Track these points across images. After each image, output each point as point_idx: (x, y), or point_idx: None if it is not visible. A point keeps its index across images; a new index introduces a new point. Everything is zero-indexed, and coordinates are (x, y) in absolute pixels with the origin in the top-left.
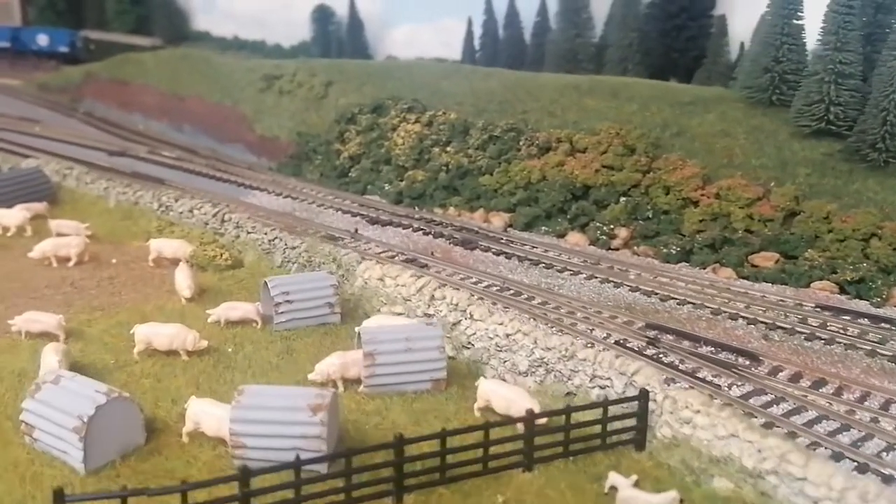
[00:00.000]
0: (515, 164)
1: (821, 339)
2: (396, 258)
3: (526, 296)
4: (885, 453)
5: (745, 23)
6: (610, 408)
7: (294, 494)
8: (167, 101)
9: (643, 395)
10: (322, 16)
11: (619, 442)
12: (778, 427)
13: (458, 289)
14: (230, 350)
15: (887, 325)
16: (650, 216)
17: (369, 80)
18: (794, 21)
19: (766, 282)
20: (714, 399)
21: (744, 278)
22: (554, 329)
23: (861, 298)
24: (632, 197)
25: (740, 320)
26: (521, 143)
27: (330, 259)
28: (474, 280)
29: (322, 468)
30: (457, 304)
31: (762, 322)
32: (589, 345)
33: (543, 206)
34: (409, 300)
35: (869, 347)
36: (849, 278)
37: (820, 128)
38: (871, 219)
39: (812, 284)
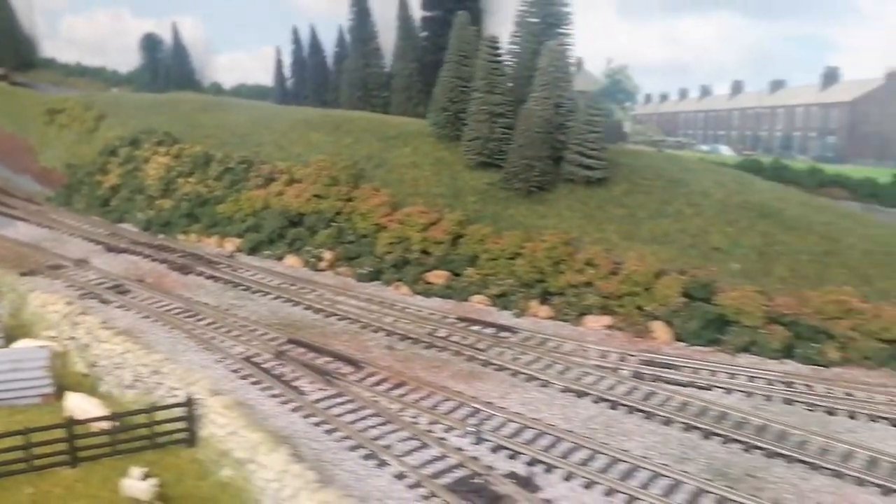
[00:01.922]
0: (244, 194)
1: (436, 347)
2: (103, 285)
3: (201, 316)
4: (395, 444)
5: None
6: (161, 412)
7: None
8: None
9: (188, 403)
10: (150, 43)
11: (172, 441)
12: (328, 424)
13: (130, 311)
14: None
15: (506, 334)
16: (352, 240)
17: (136, 114)
18: (462, 67)
19: (437, 297)
20: (244, 404)
21: (419, 294)
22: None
23: (507, 310)
24: (338, 223)
25: (380, 333)
26: (250, 174)
27: (11, 289)
28: (164, 303)
29: None
30: (89, 329)
31: (397, 334)
32: (221, 359)
33: (266, 232)
34: (59, 325)
35: (471, 353)
36: (495, 293)
37: (482, 160)
38: (516, 240)
39: (471, 298)
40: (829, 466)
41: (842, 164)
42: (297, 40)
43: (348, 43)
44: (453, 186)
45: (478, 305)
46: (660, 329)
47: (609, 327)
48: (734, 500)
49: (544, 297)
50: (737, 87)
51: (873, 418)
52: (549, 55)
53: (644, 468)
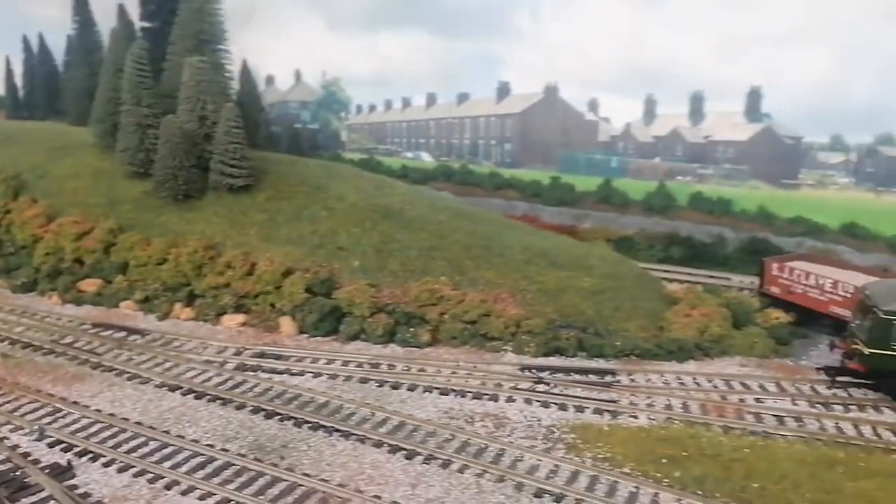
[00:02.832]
0: None
1: (55, 353)
2: None
3: None
4: None
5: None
6: None
7: None
8: None
9: None
10: None
11: None
12: None
13: None
14: None
15: (135, 337)
16: (11, 252)
17: None
18: (118, 79)
19: (89, 304)
20: None
21: (70, 302)
22: None
23: (152, 313)
24: None
25: (4, 342)
26: None
27: None
28: None
29: None
30: None
31: (21, 342)
32: None
33: None
34: None
35: (86, 357)
36: (140, 298)
37: (134, 170)
38: (163, 246)
39: (121, 304)
40: (357, 433)
41: (517, 169)
42: (27, 49)
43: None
44: (110, 196)
45: (126, 311)
46: (286, 324)
47: (243, 325)
48: (252, 469)
49: (189, 300)
50: (431, 99)
51: (428, 389)
52: (190, 70)
53: (187, 449)
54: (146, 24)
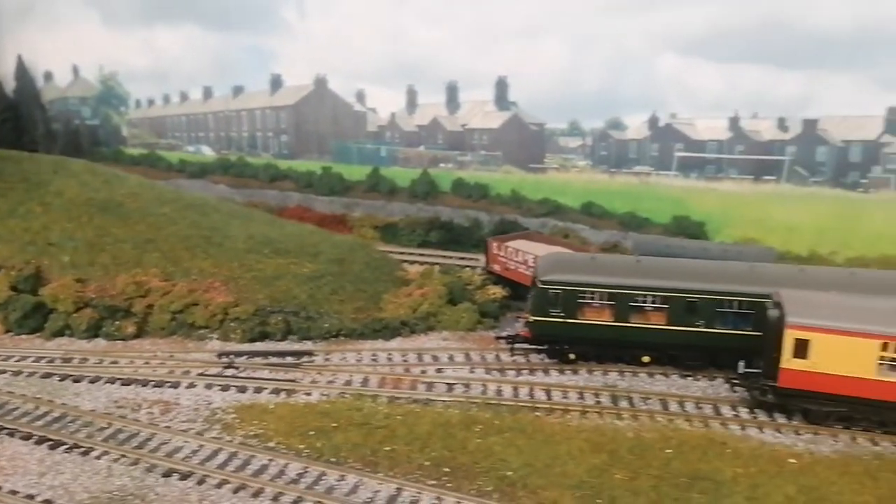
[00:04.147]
0: None
1: None
2: None
3: None
4: None
5: None
6: None
7: None
8: None
9: None
10: None
11: None
12: None
13: None
14: None
15: None
16: None
17: None
18: None
19: None
20: None
21: None
22: None
23: None
24: None
25: None
26: None
27: None
28: None
29: None
30: None
31: None
32: None
33: None
34: None
35: None
36: None
37: None
38: None
39: None
40: (10, 427)
41: (294, 160)
42: None
43: None
44: None
45: None
46: None
47: None
48: None
49: None
50: (208, 93)
51: (111, 381)
52: None
53: None
54: None
